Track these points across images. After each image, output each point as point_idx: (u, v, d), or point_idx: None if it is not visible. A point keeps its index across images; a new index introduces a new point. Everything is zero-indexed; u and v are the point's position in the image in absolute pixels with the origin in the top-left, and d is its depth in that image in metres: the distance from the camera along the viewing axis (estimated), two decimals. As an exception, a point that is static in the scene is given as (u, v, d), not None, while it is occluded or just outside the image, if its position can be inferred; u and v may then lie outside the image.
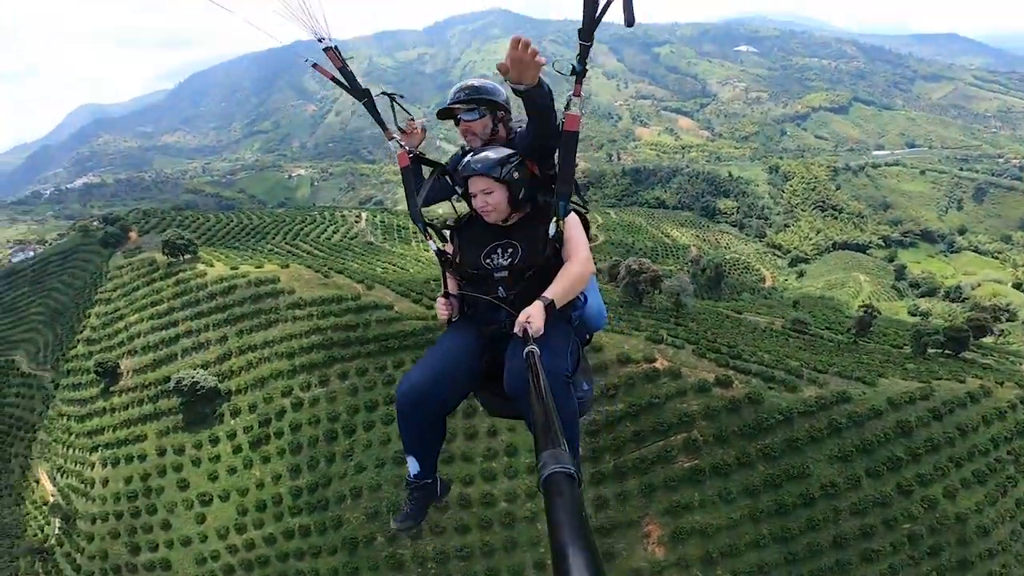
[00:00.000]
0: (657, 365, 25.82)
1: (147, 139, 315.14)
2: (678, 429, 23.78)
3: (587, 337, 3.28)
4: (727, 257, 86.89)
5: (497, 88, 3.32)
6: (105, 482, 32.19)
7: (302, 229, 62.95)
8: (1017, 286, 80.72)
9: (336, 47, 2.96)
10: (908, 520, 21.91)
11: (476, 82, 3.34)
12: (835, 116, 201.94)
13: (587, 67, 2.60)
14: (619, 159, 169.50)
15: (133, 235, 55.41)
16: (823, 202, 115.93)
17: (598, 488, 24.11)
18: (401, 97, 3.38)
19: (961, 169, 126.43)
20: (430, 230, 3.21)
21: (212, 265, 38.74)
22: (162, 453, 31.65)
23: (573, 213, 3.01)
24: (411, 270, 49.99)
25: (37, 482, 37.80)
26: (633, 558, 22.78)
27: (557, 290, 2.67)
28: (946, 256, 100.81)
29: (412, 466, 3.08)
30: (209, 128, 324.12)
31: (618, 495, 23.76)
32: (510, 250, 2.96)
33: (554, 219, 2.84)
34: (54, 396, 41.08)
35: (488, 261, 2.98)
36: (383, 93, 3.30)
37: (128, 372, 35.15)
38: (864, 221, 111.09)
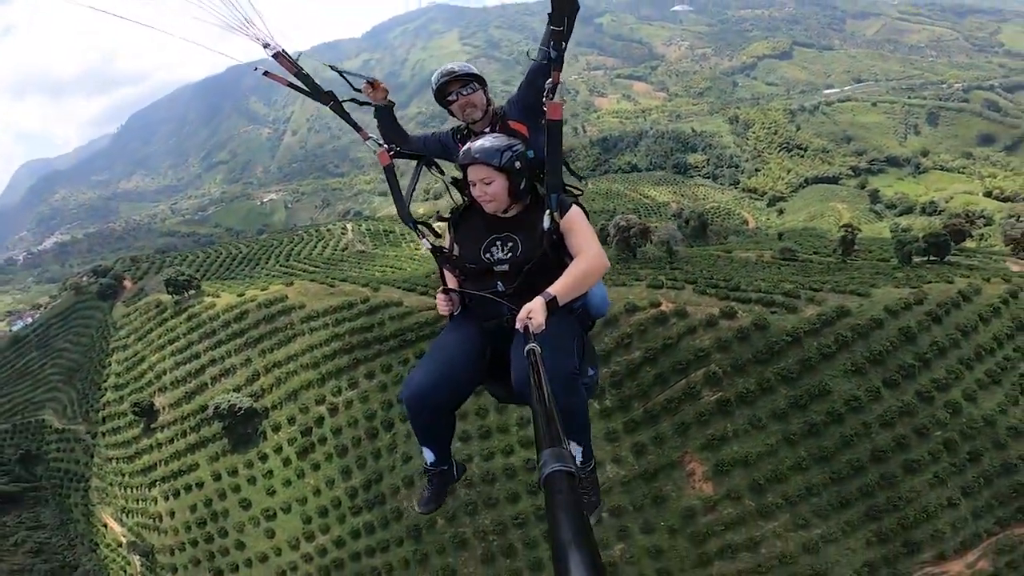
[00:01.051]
0: (663, 308, 27.27)
1: (104, 188, 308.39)
2: (696, 365, 25.37)
3: (590, 324, 3.27)
4: (707, 207, 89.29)
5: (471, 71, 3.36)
6: (172, 514, 33.31)
7: (292, 250, 63.45)
8: (988, 194, 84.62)
9: (284, 51, 2.90)
10: (938, 427, 23.03)
11: (455, 64, 3.37)
12: (780, 62, 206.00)
13: (563, 53, 2.66)
14: (584, 132, 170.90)
15: (128, 283, 55.51)
16: (787, 143, 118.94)
17: (633, 435, 25.51)
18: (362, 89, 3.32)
19: (910, 97, 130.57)
20: (422, 228, 3.20)
21: (218, 296, 39.46)
22: (217, 478, 32.69)
23: (577, 207, 2.98)
24: (408, 269, 51.06)
25: (105, 526, 38.77)
26: (683, 498, 23.99)
27: (561, 287, 2.64)
28: (915, 177, 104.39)
29: (428, 456, 3.14)
30: (165, 167, 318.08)
31: (654, 439, 25.12)
32: (510, 243, 2.93)
33: (547, 211, 2.82)
34: (96, 444, 41.82)
35: (488, 255, 2.95)
36: (354, 100, 3.25)
37: (164, 408, 36.02)
38: (830, 155, 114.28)
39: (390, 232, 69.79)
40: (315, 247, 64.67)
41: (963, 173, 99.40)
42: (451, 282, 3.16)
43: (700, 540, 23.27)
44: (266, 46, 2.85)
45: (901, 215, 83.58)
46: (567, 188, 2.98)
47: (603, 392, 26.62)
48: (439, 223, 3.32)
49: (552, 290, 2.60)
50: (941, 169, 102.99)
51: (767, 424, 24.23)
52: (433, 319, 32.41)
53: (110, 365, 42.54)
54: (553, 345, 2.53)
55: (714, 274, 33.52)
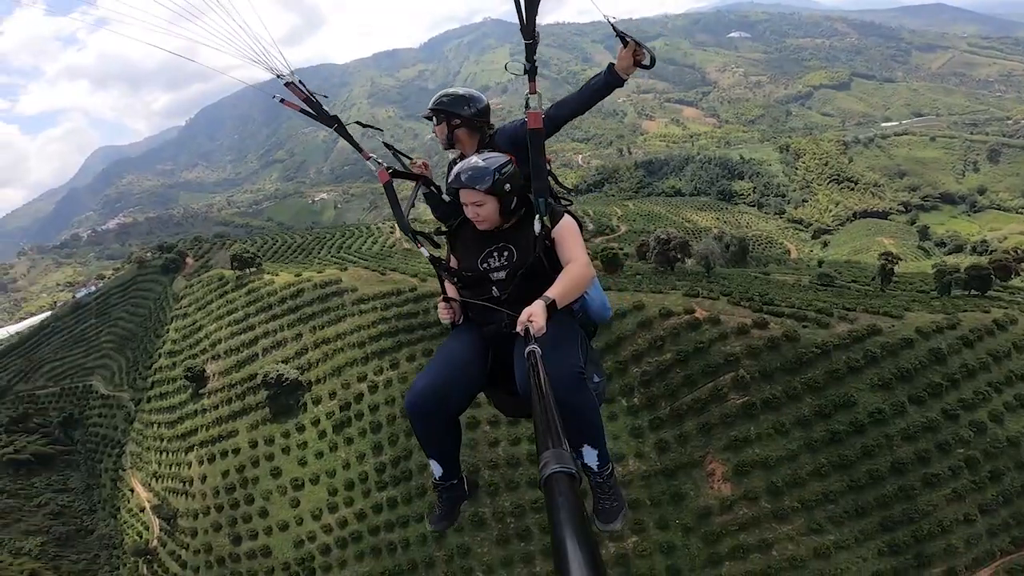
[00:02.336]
0: (697, 315, 28.18)
1: (168, 176, 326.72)
2: (725, 369, 26.20)
3: (592, 330, 3.39)
4: (750, 234, 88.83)
5: (463, 99, 3.63)
6: (204, 478, 35.41)
7: (343, 243, 66.79)
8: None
9: (300, 80, 3.20)
10: (961, 444, 23.38)
11: (447, 92, 3.68)
12: (837, 93, 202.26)
13: (536, 64, 2.80)
14: (630, 153, 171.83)
15: (190, 260, 59.77)
16: (838, 175, 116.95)
17: (658, 432, 26.41)
18: (380, 131, 3.79)
19: (972, 133, 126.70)
20: (420, 238, 3.29)
21: (277, 275, 42.33)
22: (254, 445, 34.75)
23: (568, 216, 3.09)
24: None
25: (132, 491, 41.35)
26: (702, 497, 24.71)
27: (558, 290, 2.69)
28: (969, 216, 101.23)
29: (436, 469, 3.17)
30: (226, 161, 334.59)
31: (678, 437, 25.96)
32: (506, 253, 3.01)
33: (537, 216, 2.91)
34: (138, 411, 44.89)
35: (485, 265, 3.02)
36: (358, 123, 3.76)
37: (215, 375, 38.73)
38: (881, 190, 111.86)
39: (433, 234, 72.82)
40: (364, 242, 67.83)
41: (1021, 213, 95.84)
42: (451, 291, 3.22)
43: (713, 540, 23.89)
44: (278, 76, 3.14)
45: (950, 253, 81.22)
46: (559, 198, 3.04)
47: (632, 390, 27.71)
48: (440, 235, 3.38)
49: (550, 293, 2.65)
50: (998, 209, 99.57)
51: (790, 430, 24.89)
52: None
53: (168, 332, 45.85)
54: (555, 346, 2.62)
55: (750, 289, 34.31)
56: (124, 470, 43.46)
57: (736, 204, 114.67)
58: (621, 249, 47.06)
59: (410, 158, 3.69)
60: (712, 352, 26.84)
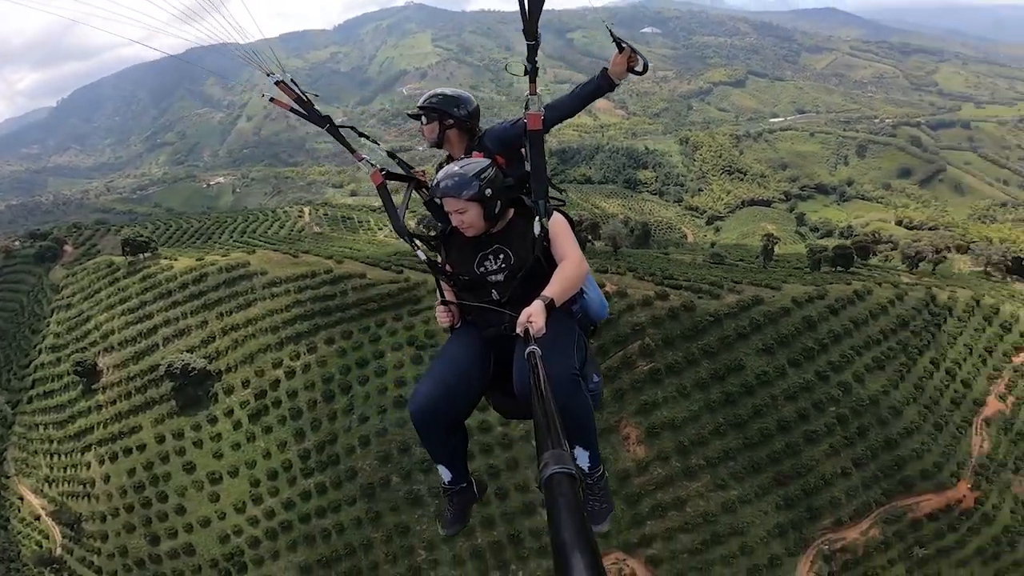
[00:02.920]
0: (606, 289, 30.01)
1: (34, 161, 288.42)
2: (632, 338, 28.40)
3: (592, 329, 3.38)
4: (652, 220, 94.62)
5: (455, 99, 3.58)
6: (107, 478, 32.86)
7: (247, 227, 63.09)
8: (899, 223, 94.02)
9: (292, 79, 3.15)
10: (832, 403, 26.94)
11: (437, 91, 3.63)
12: (734, 89, 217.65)
13: (537, 64, 2.75)
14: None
15: (69, 248, 54.01)
16: (730, 166, 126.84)
17: (575, 403, 28.20)
18: (376, 144, 3.67)
19: (844, 130, 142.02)
20: (417, 241, 3.23)
21: (176, 260, 39.57)
22: (161, 440, 32.64)
23: (559, 215, 3.07)
24: (368, 252, 52.09)
25: (21, 499, 37.37)
26: (620, 461, 26.54)
27: (555, 289, 2.69)
28: (839, 204, 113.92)
29: (444, 474, 3.13)
30: (105, 145, 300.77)
31: (594, 405, 27.98)
32: (501, 256, 3.00)
33: (537, 218, 2.92)
34: (17, 413, 40.39)
35: (481, 269, 3.02)
36: (351, 128, 3.51)
37: (108, 368, 35.71)
38: (767, 180, 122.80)
39: (348, 218, 70.37)
40: (271, 226, 64.56)
41: (881, 203, 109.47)
42: (448, 295, 3.21)
43: (634, 501, 25.81)
44: (269, 75, 3.11)
45: (822, 238, 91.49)
46: (550, 197, 3.09)
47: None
48: (434, 240, 3.39)
49: (548, 293, 2.64)
50: (862, 199, 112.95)
51: (691, 392, 27.49)
52: (396, 291, 34.05)
53: (48, 326, 41.55)
54: (553, 347, 2.58)
55: (652, 267, 36.99)
56: (7, 477, 39.04)
57: (640, 192, 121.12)
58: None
59: (411, 167, 3.66)
60: (621, 323, 28.85)
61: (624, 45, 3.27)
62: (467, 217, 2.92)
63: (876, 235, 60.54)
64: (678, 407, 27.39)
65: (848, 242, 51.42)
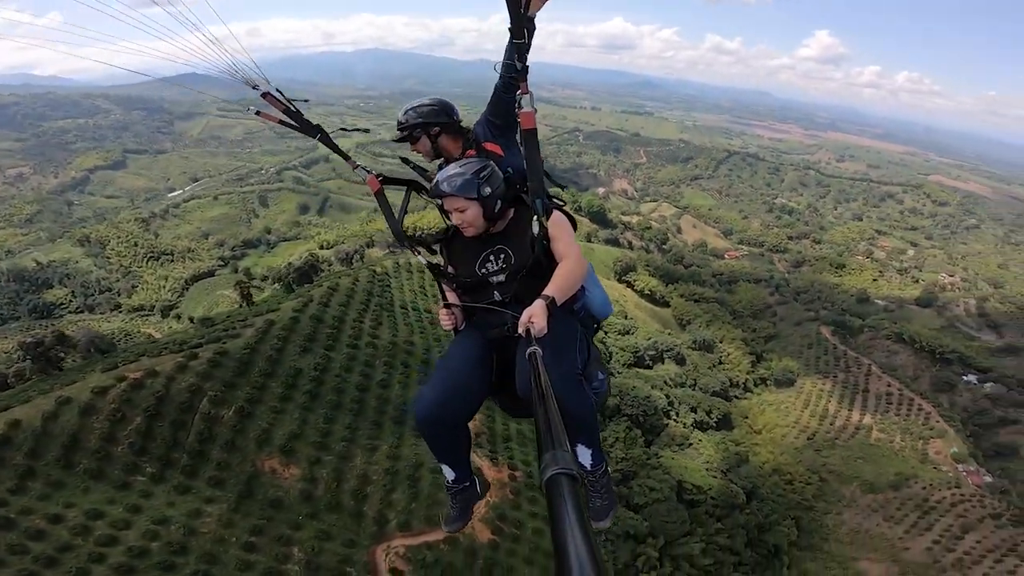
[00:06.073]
0: (134, 377, 28.19)
1: None
2: (198, 398, 28.33)
3: (595, 327, 3.40)
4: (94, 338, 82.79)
5: (432, 106, 3.46)
6: None
7: None
8: (321, 247, 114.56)
9: (277, 90, 3.10)
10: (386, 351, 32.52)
11: (411, 106, 3.51)
12: (115, 172, 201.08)
13: (528, 65, 2.74)
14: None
15: None
16: (152, 251, 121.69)
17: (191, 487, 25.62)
18: (366, 132, 4.21)
19: (242, 186, 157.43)
20: (417, 245, 3.30)
21: None
22: None
23: (559, 212, 3.09)
24: None
25: None
26: (291, 491, 26.71)
27: (556, 288, 2.71)
28: (271, 251, 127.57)
29: (448, 473, 3.19)
30: None
31: (216, 477, 26.10)
32: (502, 256, 3.05)
33: (535, 217, 2.95)
34: None
35: (483, 269, 3.07)
36: (342, 129, 3.52)
37: None
38: (197, 253, 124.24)
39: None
40: None
41: (300, 238, 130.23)
42: (451, 297, 3.23)
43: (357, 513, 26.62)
44: (255, 87, 3.01)
45: (274, 283, 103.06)
46: (550, 196, 3.07)
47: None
48: (435, 243, 3.38)
49: (549, 291, 2.67)
50: (285, 240, 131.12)
51: (285, 408, 30.51)
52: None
53: None
54: (555, 347, 2.64)
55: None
56: None
57: (60, 317, 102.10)
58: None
59: (426, 170, 3.63)
60: (173, 394, 27.80)
61: None
62: (467, 216, 2.99)
63: (315, 256, 77.91)
64: (285, 420, 29.29)
65: (302, 265, 64.37)
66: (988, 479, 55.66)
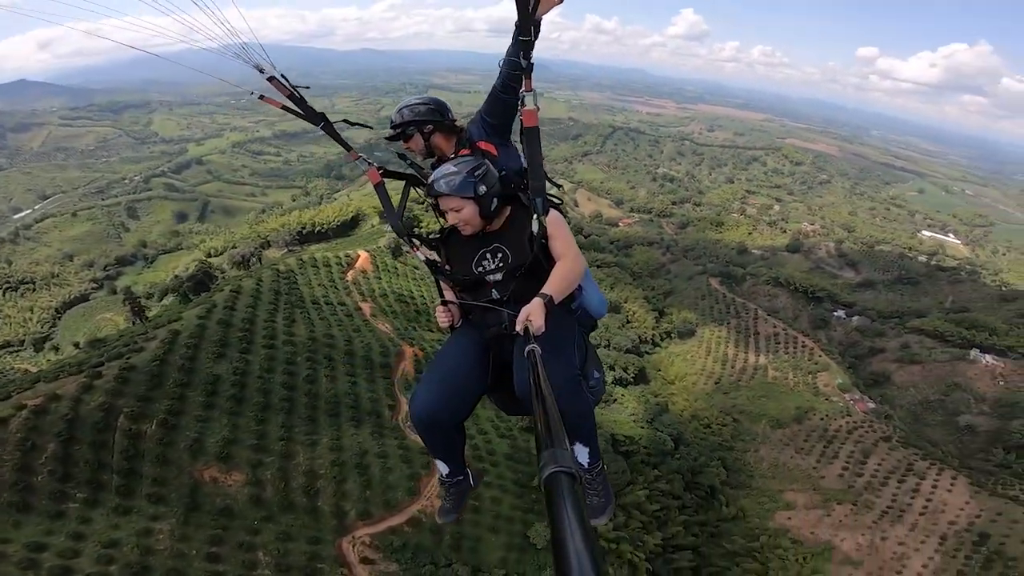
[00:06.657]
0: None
1: None
2: (124, 424, 26.36)
3: (592, 326, 3.41)
4: None
5: (423, 105, 3.48)
6: None
7: None
8: (208, 255, 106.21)
9: (282, 75, 3.00)
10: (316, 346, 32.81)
11: (403, 105, 3.49)
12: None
13: (532, 62, 2.73)
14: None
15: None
16: (8, 282, 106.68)
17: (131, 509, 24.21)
18: (370, 127, 3.73)
19: (104, 199, 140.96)
20: (416, 241, 3.23)
21: None
22: None
23: (556, 212, 3.07)
24: None
25: None
26: (239, 499, 26.05)
27: (554, 286, 2.71)
28: (149, 265, 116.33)
29: (442, 468, 3.21)
30: None
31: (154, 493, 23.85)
32: (499, 254, 3.03)
33: (535, 216, 2.93)
34: None
35: (480, 268, 3.05)
36: (344, 121, 3.44)
37: None
38: (63, 278, 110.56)
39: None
40: None
41: (183, 248, 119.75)
42: (448, 294, 3.22)
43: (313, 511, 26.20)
44: (261, 71, 2.95)
45: (164, 295, 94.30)
46: (548, 195, 3.05)
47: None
48: (433, 240, 3.37)
49: (546, 290, 2.67)
50: (165, 252, 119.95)
51: (211, 416, 29.01)
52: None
53: None
54: (553, 347, 2.63)
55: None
56: None
57: None
58: None
59: (422, 167, 3.60)
60: (83, 416, 25.81)
61: None
62: (463, 215, 2.97)
63: (206, 263, 73.04)
64: (214, 427, 27.86)
65: (195, 273, 60.02)
66: (872, 405, 60.71)
